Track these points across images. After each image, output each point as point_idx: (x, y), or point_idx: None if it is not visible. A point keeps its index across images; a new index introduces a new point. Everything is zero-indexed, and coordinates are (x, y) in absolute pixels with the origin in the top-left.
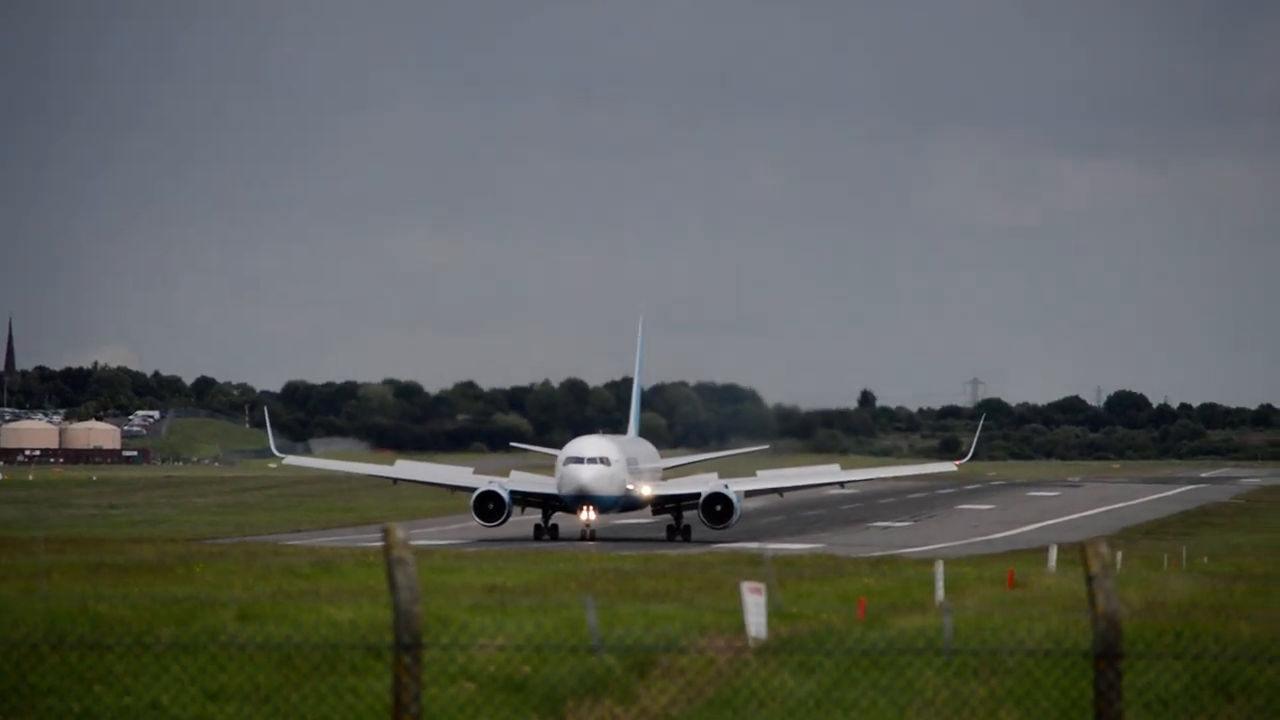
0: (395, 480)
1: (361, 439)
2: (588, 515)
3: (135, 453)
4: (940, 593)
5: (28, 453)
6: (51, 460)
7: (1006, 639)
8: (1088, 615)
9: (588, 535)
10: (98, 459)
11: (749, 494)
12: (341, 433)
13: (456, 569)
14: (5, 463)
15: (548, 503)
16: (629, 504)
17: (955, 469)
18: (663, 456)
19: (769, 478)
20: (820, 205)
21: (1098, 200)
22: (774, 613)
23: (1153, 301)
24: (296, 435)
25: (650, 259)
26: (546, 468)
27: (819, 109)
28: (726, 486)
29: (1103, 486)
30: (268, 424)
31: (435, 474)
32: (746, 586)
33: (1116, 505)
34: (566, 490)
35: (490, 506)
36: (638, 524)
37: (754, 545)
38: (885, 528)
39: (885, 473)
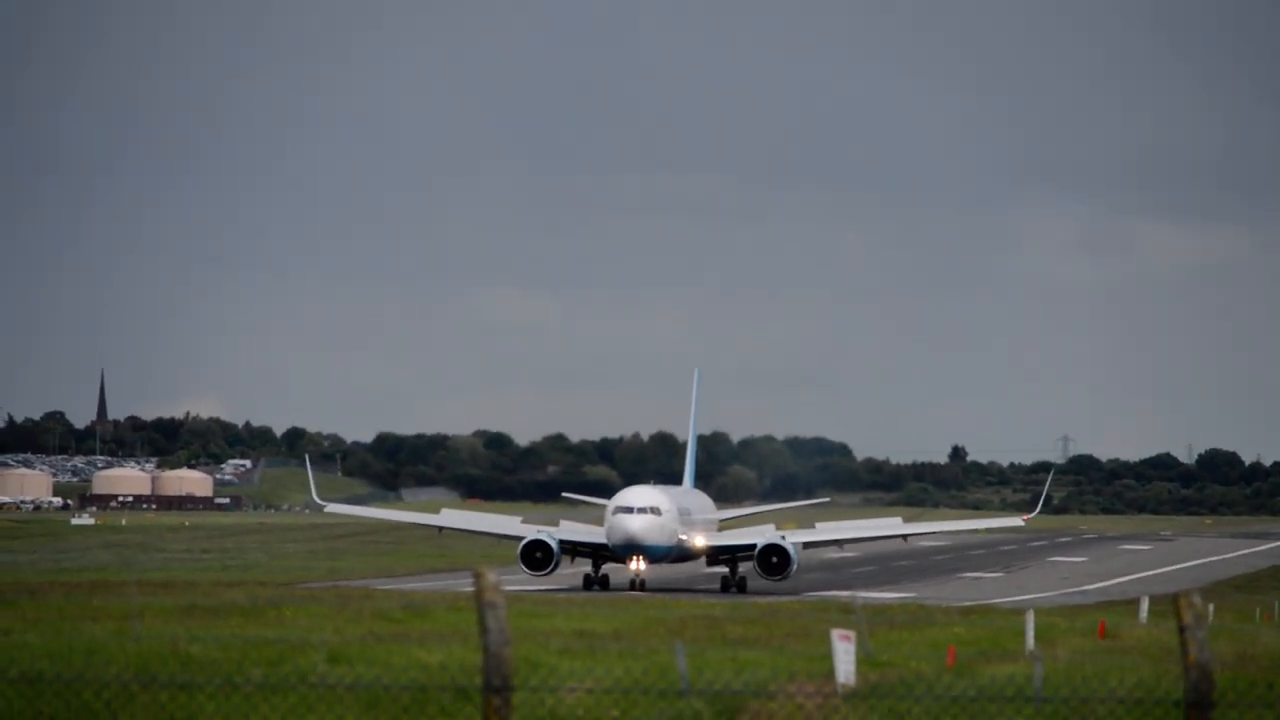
0: (440, 529)
1: (452, 489)
2: (637, 565)
3: (227, 499)
4: (1031, 641)
5: (120, 498)
6: (144, 506)
7: (1097, 688)
8: (1179, 666)
9: (637, 585)
10: (190, 505)
11: (807, 545)
12: (431, 483)
13: (546, 614)
14: (98, 508)
15: (597, 552)
16: (681, 554)
17: (1023, 523)
18: (736, 508)
19: (828, 530)
20: (911, 268)
21: (1187, 261)
22: (864, 660)
23: (1243, 360)
24: (387, 484)
25: (742, 317)
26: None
27: (905, 173)
28: (783, 538)
29: (1195, 541)
30: (309, 473)
31: (482, 523)
32: (836, 633)
33: (1208, 559)
34: (615, 540)
35: (538, 555)
36: (692, 575)
37: (844, 594)
38: (976, 578)
39: (949, 526)
